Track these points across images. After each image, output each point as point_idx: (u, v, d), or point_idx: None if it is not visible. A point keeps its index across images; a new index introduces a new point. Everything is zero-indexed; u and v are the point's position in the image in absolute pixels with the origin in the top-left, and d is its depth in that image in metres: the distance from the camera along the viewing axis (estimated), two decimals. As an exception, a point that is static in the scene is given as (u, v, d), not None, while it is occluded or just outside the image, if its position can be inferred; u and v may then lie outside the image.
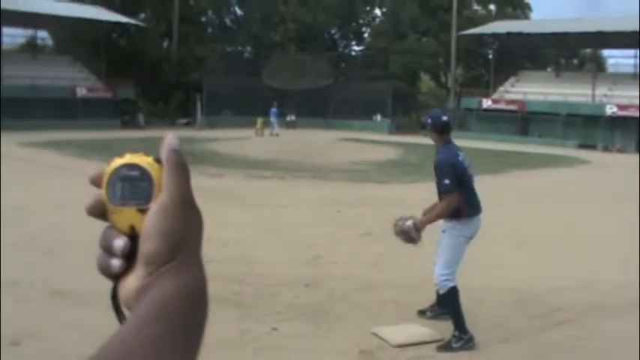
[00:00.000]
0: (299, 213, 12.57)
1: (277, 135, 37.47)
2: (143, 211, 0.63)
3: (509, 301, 7.17)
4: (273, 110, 40.15)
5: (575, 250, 10.00)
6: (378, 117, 48.37)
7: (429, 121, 6.02)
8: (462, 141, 36.64)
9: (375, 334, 5.87)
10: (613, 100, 40.44)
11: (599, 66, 48.99)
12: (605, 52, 51.74)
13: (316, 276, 7.75)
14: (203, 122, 41.99)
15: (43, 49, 47.11)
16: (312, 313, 6.45)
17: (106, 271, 0.65)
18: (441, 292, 5.73)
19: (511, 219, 12.71)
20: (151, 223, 0.62)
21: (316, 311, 6.48)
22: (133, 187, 0.64)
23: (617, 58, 50.23)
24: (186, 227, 0.62)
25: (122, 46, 46.56)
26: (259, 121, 38.64)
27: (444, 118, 6.06)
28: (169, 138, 0.65)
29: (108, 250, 0.64)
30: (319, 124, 46.64)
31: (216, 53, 49.83)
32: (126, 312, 0.64)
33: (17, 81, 36.29)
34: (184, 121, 44.25)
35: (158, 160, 0.65)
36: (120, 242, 0.63)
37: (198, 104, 43.51)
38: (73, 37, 45.03)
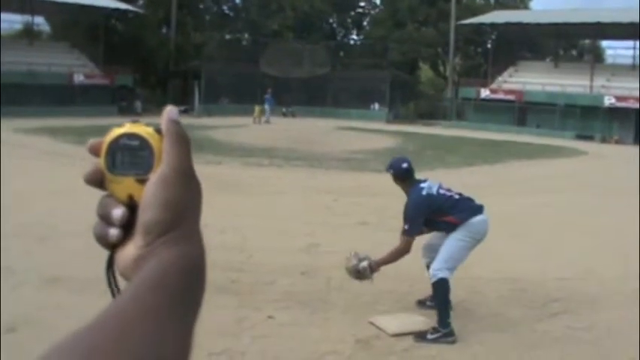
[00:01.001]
0: (296, 201, 12.56)
1: (268, 122, 37.38)
2: (142, 181, 0.62)
3: (506, 291, 7.18)
4: (267, 97, 40.07)
5: (573, 241, 10.01)
6: (376, 106, 48.33)
7: (391, 171, 6.20)
8: (459, 131, 36.89)
9: (372, 323, 5.88)
10: (611, 91, 40.43)
11: (598, 57, 48.96)
12: (604, 43, 51.72)
13: (313, 264, 7.76)
14: (201, 110, 41.92)
15: (39, 35, 46.89)
16: (309, 301, 6.45)
17: (103, 240, 0.64)
18: (432, 280, 5.72)
19: (508, 209, 12.70)
20: (150, 192, 0.61)
21: (313, 300, 6.48)
22: (133, 156, 0.63)
23: (615, 49, 50.18)
24: (186, 197, 0.62)
25: (120, 33, 46.41)
26: (257, 108, 38.58)
27: (404, 165, 6.22)
28: (169, 109, 0.65)
29: (105, 219, 0.63)
30: (317, 112, 46.59)
31: (214, 41, 49.70)
32: (121, 282, 0.63)
33: (14, 67, 36.09)
34: (182, 108, 44.06)
35: (158, 131, 0.64)
36: (118, 211, 0.62)
37: (196, 92, 43.44)
38: (70, 23, 44.86)
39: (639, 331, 5.60)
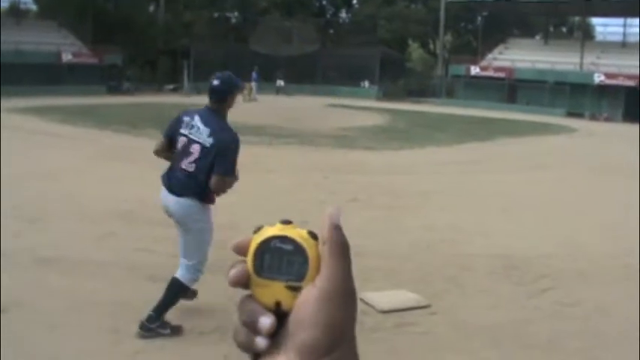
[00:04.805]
0: (286, 179, 12.54)
1: (256, 100, 37.18)
2: (293, 289, 0.59)
3: (497, 267, 7.21)
4: (254, 75, 39.85)
5: (562, 218, 10.05)
6: (366, 83, 48.18)
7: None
8: (449, 108, 36.87)
9: (361, 300, 5.89)
10: (601, 68, 40.40)
11: (588, 34, 48.84)
12: (594, 20, 51.66)
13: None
14: (190, 88, 41.67)
15: (26, 14, 46.40)
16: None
17: (247, 348, 0.60)
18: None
19: (499, 186, 12.76)
20: (310, 310, 0.58)
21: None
22: (285, 261, 0.60)
23: (605, 27, 50.14)
24: (346, 318, 0.59)
25: (108, 11, 45.94)
26: (247, 86, 38.42)
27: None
28: (331, 213, 0.61)
29: (251, 326, 0.59)
30: (307, 90, 46.41)
31: (204, 19, 49.32)
32: None
33: (1, 46, 35.71)
34: (171, 87, 43.89)
35: (313, 235, 0.61)
36: (267, 321, 0.59)
37: (185, 70, 43.15)
38: (57, 1, 44.37)
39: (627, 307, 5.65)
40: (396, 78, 49.31)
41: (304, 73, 48.61)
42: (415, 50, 59.44)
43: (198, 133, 4.93)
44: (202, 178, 4.81)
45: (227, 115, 5.14)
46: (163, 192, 5.00)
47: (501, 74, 43.30)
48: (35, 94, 31.75)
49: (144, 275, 6.09)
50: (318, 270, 0.59)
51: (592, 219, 10.00)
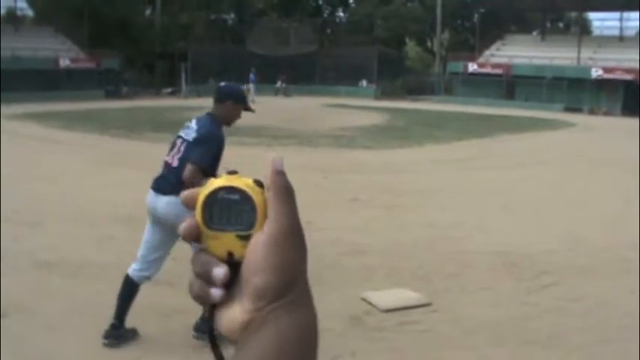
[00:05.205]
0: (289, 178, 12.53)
1: (254, 102, 37.01)
2: (244, 238, 0.60)
3: (497, 264, 7.21)
4: (251, 76, 39.72)
5: (562, 213, 10.05)
6: (364, 82, 48.16)
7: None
8: (447, 105, 36.83)
9: (364, 300, 5.90)
10: (598, 63, 40.39)
11: (585, 29, 48.81)
12: (591, 15, 51.62)
13: (306, 241, 7.75)
14: (188, 91, 41.67)
15: (23, 20, 46.39)
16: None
17: (202, 299, 0.61)
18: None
19: (498, 182, 12.76)
20: (260, 255, 0.59)
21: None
22: (233, 211, 0.60)
23: (602, 21, 50.15)
24: (297, 260, 0.60)
25: (105, 15, 45.90)
26: (244, 88, 38.33)
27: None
28: (274, 159, 0.62)
29: (205, 277, 0.60)
30: (305, 90, 46.39)
31: (200, 21, 49.32)
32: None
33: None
34: (169, 90, 43.87)
35: (259, 183, 0.61)
36: (220, 271, 0.59)
37: (183, 73, 43.14)
38: (53, 6, 44.34)
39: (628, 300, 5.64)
40: (394, 76, 49.31)
41: (302, 74, 48.61)
42: (412, 48, 59.43)
43: (188, 130, 5.02)
44: (182, 171, 4.81)
45: (223, 123, 5.13)
46: (150, 195, 4.99)
47: (499, 71, 43.29)
48: (33, 100, 31.73)
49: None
50: (266, 217, 0.60)
51: (592, 213, 9.99)
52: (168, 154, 5.03)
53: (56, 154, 15.11)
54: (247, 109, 5.20)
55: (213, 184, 0.61)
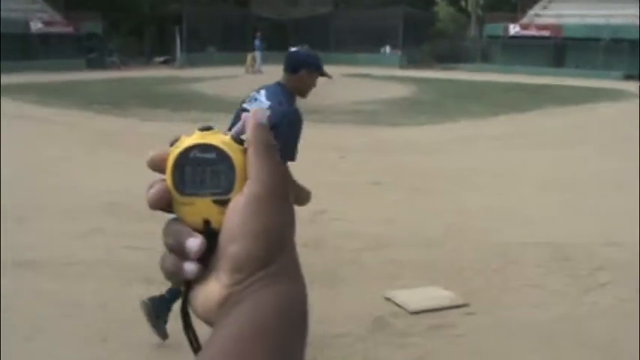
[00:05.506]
0: (299, 160, 12.53)
1: (260, 72, 36.92)
2: (221, 203, 0.59)
3: (544, 258, 7.18)
4: (257, 42, 39.56)
5: (616, 200, 9.92)
6: (387, 49, 48.03)
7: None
8: (484, 75, 36.50)
9: (389, 300, 5.90)
10: (665, 21, 40.03)
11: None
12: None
13: (319, 234, 7.76)
14: (183, 60, 41.67)
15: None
16: (318, 275, 6.46)
17: (175, 275, 0.59)
18: None
19: (540, 163, 12.70)
20: (239, 220, 0.57)
21: (322, 274, 6.46)
22: (208, 172, 0.59)
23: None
24: (282, 225, 0.59)
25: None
26: (249, 56, 38.31)
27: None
28: (255, 111, 0.61)
29: (178, 250, 0.59)
30: (319, 58, 46.29)
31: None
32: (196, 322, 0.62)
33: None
34: (161, 59, 43.89)
35: (237, 140, 0.60)
36: (195, 242, 0.58)
37: (177, 39, 43.10)
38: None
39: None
40: (422, 42, 49.12)
41: (315, 39, 48.37)
42: (443, 8, 59.02)
43: (256, 104, 4.90)
44: None
45: (297, 94, 5.12)
46: None
47: (546, 33, 43.02)
48: (4, 71, 31.72)
49: (135, 276, 6.13)
50: (246, 178, 0.59)
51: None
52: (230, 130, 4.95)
53: (32, 136, 15.14)
54: (323, 74, 5.12)
55: (184, 142, 0.60)
